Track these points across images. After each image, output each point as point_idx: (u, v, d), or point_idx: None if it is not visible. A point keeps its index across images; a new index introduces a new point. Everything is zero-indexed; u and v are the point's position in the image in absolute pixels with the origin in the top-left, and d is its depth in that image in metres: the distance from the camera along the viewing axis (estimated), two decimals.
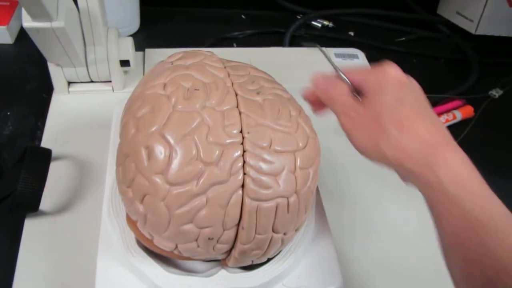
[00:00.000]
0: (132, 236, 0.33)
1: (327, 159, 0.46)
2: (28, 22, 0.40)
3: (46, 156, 0.39)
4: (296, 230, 0.32)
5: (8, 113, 0.51)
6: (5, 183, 0.43)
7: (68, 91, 0.50)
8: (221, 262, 0.33)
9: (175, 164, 0.27)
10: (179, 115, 0.28)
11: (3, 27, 0.58)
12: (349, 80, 0.32)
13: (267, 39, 0.69)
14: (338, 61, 0.60)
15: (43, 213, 0.40)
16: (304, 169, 0.30)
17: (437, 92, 0.62)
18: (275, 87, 0.33)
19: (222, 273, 0.32)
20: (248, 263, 0.32)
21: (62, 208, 0.41)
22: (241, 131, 0.29)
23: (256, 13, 0.74)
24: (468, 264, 0.25)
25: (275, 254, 0.33)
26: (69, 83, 0.51)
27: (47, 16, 0.39)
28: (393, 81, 0.30)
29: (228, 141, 0.28)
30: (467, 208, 0.25)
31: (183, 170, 0.27)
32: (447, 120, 0.58)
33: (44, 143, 0.46)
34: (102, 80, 0.51)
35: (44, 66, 0.48)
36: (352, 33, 0.73)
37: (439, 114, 0.59)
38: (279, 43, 0.68)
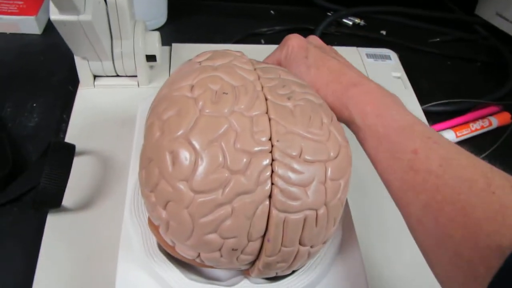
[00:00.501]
0: (153, 239, 0.33)
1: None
2: (55, 15, 0.39)
3: (69, 152, 0.39)
4: (324, 243, 0.30)
5: (34, 105, 0.51)
6: (29, 176, 0.42)
7: (94, 85, 0.50)
8: (244, 271, 0.32)
9: (200, 171, 0.26)
10: (206, 120, 0.27)
11: (32, 17, 0.58)
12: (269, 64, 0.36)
13: None
14: (369, 62, 0.58)
15: (66, 209, 0.40)
16: (335, 180, 0.28)
17: (472, 97, 0.59)
18: (307, 92, 0.32)
19: (245, 283, 0.31)
20: (272, 275, 0.31)
21: (85, 205, 0.40)
22: (270, 139, 0.27)
23: (286, 9, 0.72)
24: (389, 169, 0.30)
25: (300, 267, 0.32)
26: (95, 76, 0.50)
27: (74, 9, 0.39)
28: (297, 48, 0.37)
29: (256, 149, 0.26)
30: (374, 129, 0.31)
31: (209, 178, 0.26)
32: (482, 127, 0.56)
33: (68, 138, 0.45)
34: (128, 75, 0.50)
35: (71, 58, 0.48)
36: (384, 32, 0.70)
37: (474, 120, 0.56)
38: None
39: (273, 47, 0.61)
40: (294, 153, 0.27)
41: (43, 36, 0.60)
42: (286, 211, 0.26)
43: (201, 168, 0.26)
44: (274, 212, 0.26)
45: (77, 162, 0.42)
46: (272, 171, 0.27)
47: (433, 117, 0.55)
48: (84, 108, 0.48)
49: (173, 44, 0.57)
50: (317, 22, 0.67)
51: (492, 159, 0.53)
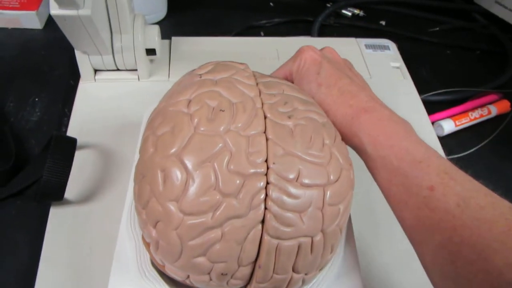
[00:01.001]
0: (147, 255, 0.32)
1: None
2: (55, 10, 0.39)
3: (71, 145, 0.39)
4: (320, 269, 0.29)
5: (36, 99, 0.51)
6: (31, 170, 0.43)
7: (95, 79, 0.50)
8: None
9: (191, 192, 0.25)
10: (200, 139, 0.26)
11: (33, 12, 0.58)
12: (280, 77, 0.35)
13: (295, 28, 0.67)
14: (368, 52, 0.58)
15: (68, 202, 0.40)
16: (334, 205, 0.27)
17: (471, 86, 0.59)
18: (310, 110, 0.30)
19: None
20: None
21: (87, 198, 0.41)
22: (266, 160, 0.26)
23: (285, 1, 0.72)
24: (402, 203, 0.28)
25: None
26: (96, 71, 0.50)
27: (73, 4, 0.39)
28: (310, 62, 0.35)
29: (251, 171, 0.25)
30: (387, 161, 0.29)
31: (199, 200, 0.25)
32: (481, 116, 0.56)
33: (70, 132, 0.46)
34: (128, 69, 0.50)
35: (72, 52, 0.48)
36: (383, 23, 0.70)
37: (473, 108, 0.56)
38: (308, 32, 0.66)
39: (272, 39, 0.62)
40: (290, 177, 0.26)
41: (44, 31, 0.60)
42: (279, 237, 0.25)
43: (191, 189, 0.25)
44: (266, 238, 0.25)
45: (78, 155, 0.43)
46: (266, 195, 0.25)
47: (433, 107, 0.55)
48: (85, 102, 0.49)
49: (173, 38, 0.57)
50: (317, 13, 0.67)
51: (491, 148, 0.53)
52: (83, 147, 0.44)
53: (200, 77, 0.30)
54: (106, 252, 0.35)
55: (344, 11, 0.70)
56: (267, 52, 0.56)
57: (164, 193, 0.26)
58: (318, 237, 0.27)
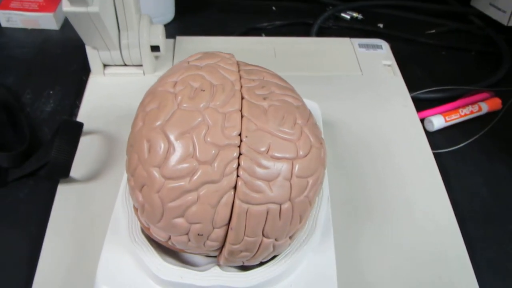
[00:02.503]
0: (138, 224, 0.35)
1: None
2: (67, 7, 0.44)
3: (77, 128, 0.44)
4: (290, 237, 0.32)
5: (51, 92, 0.56)
6: (43, 153, 0.47)
7: (104, 73, 0.55)
8: (217, 259, 0.34)
9: (171, 159, 0.28)
10: (182, 113, 0.29)
11: (50, 14, 0.63)
12: None
13: (295, 30, 0.70)
14: (361, 51, 0.61)
15: (74, 180, 0.44)
16: (302, 178, 0.30)
17: (465, 85, 0.60)
18: (286, 94, 0.33)
19: (215, 269, 0.33)
20: (239, 263, 0.32)
21: (92, 177, 0.45)
22: (240, 134, 0.29)
23: (287, 5, 0.76)
24: None
25: (268, 259, 0.33)
26: (105, 65, 0.55)
27: (83, 2, 0.43)
28: None
29: (225, 142, 0.28)
30: None
31: (178, 166, 0.28)
32: (472, 112, 0.57)
33: (80, 119, 0.50)
34: (134, 64, 0.55)
35: (85, 51, 0.52)
36: (381, 25, 0.73)
37: (464, 105, 0.58)
38: (307, 34, 0.69)
39: (270, 39, 0.66)
40: (261, 149, 0.29)
41: (60, 32, 0.65)
42: (249, 202, 0.28)
43: (172, 157, 0.28)
44: (237, 202, 0.28)
45: (86, 140, 0.47)
46: (239, 165, 0.28)
47: (424, 104, 0.57)
48: (95, 93, 0.53)
49: (177, 37, 0.61)
50: (316, 17, 0.71)
51: (481, 144, 0.55)
52: (90, 132, 0.48)
53: (188, 63, 0.34)
54: (105, 224, 0.39)
55: (343, 14, 0.73)
56: (265, 50, 0.60)
57: (149, 160, 0.29)
58: (286, 205, 0.29)
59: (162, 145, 0.29)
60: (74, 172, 0.44)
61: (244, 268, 0.34)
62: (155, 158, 0.29)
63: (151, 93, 0.32)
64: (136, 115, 0.32)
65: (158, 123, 0.29)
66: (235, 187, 0.28)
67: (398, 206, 0.44)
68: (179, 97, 0.30)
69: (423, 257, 0.40)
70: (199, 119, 0.29)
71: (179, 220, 0.29)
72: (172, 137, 0.29)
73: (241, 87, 0.32)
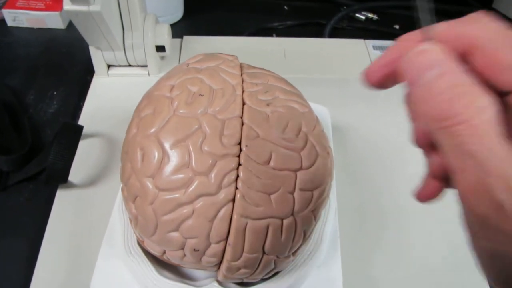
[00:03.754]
0: (134, 235, 0.34)
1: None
2: (68, 5, 0.42)
3: (76, 132, 0.42)
4: (293, 253, 0.30)
5: (55, 93, 0.55)
6: (44, 156, 0.46)
7: (108, 74, 0.53)
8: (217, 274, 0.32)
9: (165, 169, 0.26)
10: (177, 120, 0.27)
11: (56, 13, 0.62)
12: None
13: (307, 31, 0.68)
14: (375, 53, 0.59)
15: (74, 186, 0.43)
16: (306, 190, 0.28)
17: None
18: (291, 99, 0.31)
19: (213, 285, 0.31)
20: (238, 280, 0.30)
21: (91, 183, 0.43)
22: (239, 143, 0.27)
23: (299, 4, 0.74)
24: None
25: (270, 275, 0.31)
26: (109, 66, 0.53)
27: (85, 0, 0.42)
28: None
29: (223, 152, 0.27)
30: None
31: (173, 177, 0.26)
32: None
33: (81, 121, 0.49)
34: (139, 64, 0.53)
35: None
36: (397, 26, 0.70)
37: None
38: (320, 35, 0.67)
39: (280, 39, 0.63)
40: (261, 159, 0.27)
41: (66, 31, 0.64)
42: (248, 216, 0.26)
43: (166, 167, 0.26)
44: (235, 216, 0.26)
45: (87, 143, 0.46)
46: (238, 176, 0.26)
47: None
48: (98, 94, 0.52)
49: (184, 37, 0.59)
50: (330, 17, 0.68)
51: None
52: (92, 135, 0.47)
53: (188, 66, 0.32)
54: (103, 231, 0.37)
55: (357, 15, 0.70)
56: (274, 51, 0.58)
57: (142, 169, 0.27)
58: (289, 220, 0.27)
59: (156, 154, 0.27)
60: (74, 176, 0.43)
61: (244, 284, 0.32)
62: (149, 167, 0.27)
63: (147, 97, 0.31)
64: (132, 119, 0.31)
65: (153, 130, 0.28)
66: (233, 200, 0.27)
67: (412, 216, 0.41)
68: (176, 102, 0.28)
69: (439, 270, 0.38)
70: (196, 126, 0.27)
71: (174, 234, 0.27)
72: (167, 146, 0.27)
73: (243, 91, 0.30)
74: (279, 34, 0.67)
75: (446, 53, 0.17)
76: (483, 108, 0.16)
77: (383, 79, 0.20)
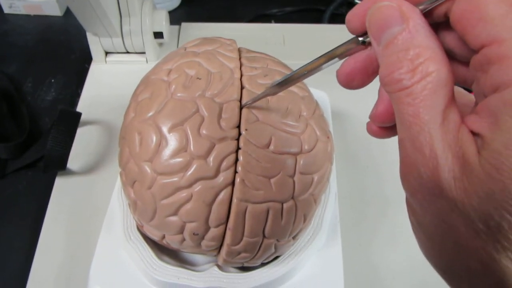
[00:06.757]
0: (133, 221, 0.33)
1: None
2: None
3: (75, 118, 0.42)
4: (294, 237, 0.29)
5: (52, 80, 0.54)
6: (42, 144, 0.46)
7: (105, 61, 0.53)
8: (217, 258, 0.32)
9: (163, 153, 0.26)
10: (175, 104, 0.27)
11: (53, 0, 0.61)
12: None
13: (306, 17, 0.67)
14: None
15: (72, 173, 0.43)
16: (307, 174, 0.27)
17: None
18: None
19: (214, 270, 0.31)
20: (239, 264, 0.30)
21: (89, 169, 0.43)
22: (238, 127, 0.27)
23: None
24: None
25: (271, 259, 0.31)
26: (107, 53, 0.53)
27: None
28: None
29: (221, 135, 0.26)
30: None
31: (171, 161, 0.26)
32: None
33: (80, 108, 0.48)
34: (137, 51, 0.53)
35: None
36: None
37: None
38: (318, 21, 0.66)
39: (279, 26, 0.63)
40: (261, 143, 0.26)
41: (64, 18, 0.63)
42: (248, 200, 0.26)
43: (164, 151, 0.26)
44: (235, 200, 0.26)
45: (85, 130, 0.45)
46: (237, 159, 0.26)
47: None
48: (96, 82, 0.51)
49: (182, 24, 0.59)
50: (329, 3, 0.68)
51: None
52: (90, 122, 0.47)
53: (185, 49, 0.32)
54: (102, 218, 0.37)
55: (356, 1, 0.70)
56: (273, 37, 0.57)
57: (140, 154, 0.27)
58: (289, 204, 0.27)
59: (154, 138, 0.27)
60: (72, 163, 0.42)
61: (245, 268, 0.32)
62: (147, 152, 0.27)
63: (144, 82, 0.30)
64: (129, 104, 0.30)
65: (150, 114, 0.27)
66: (232, 184, 0.26)
67: None
68: (173, 86, 0.28)
69: None
70: (193, 109, 0.27)
71: (173, 218, 0.27)
72: (164, 129, 0.26)
73: (241, 75, 0.30)
74: (278, 21, 0.66)
75: (409, 9, 0.16)
76: (429, 74, 0.15)
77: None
